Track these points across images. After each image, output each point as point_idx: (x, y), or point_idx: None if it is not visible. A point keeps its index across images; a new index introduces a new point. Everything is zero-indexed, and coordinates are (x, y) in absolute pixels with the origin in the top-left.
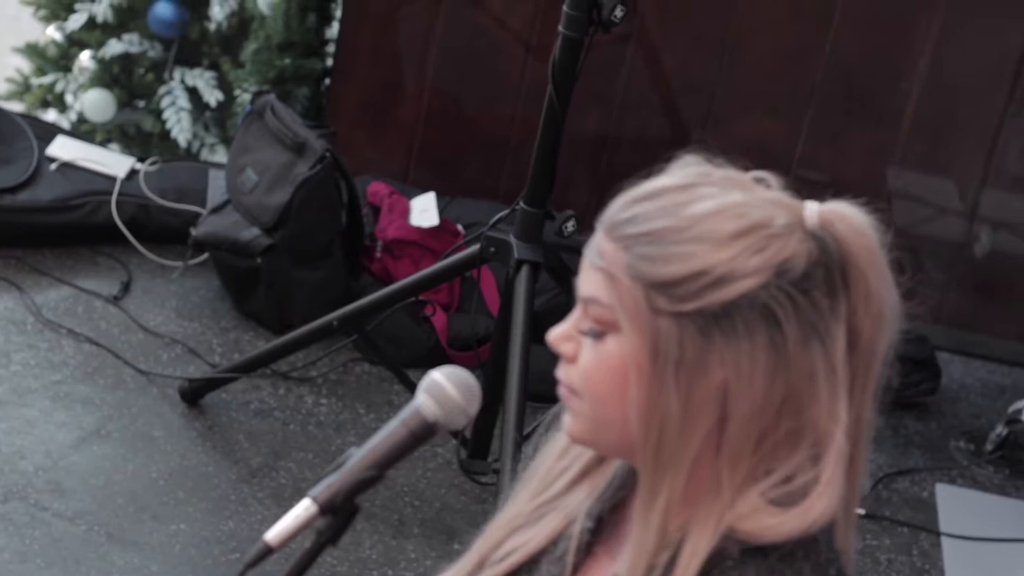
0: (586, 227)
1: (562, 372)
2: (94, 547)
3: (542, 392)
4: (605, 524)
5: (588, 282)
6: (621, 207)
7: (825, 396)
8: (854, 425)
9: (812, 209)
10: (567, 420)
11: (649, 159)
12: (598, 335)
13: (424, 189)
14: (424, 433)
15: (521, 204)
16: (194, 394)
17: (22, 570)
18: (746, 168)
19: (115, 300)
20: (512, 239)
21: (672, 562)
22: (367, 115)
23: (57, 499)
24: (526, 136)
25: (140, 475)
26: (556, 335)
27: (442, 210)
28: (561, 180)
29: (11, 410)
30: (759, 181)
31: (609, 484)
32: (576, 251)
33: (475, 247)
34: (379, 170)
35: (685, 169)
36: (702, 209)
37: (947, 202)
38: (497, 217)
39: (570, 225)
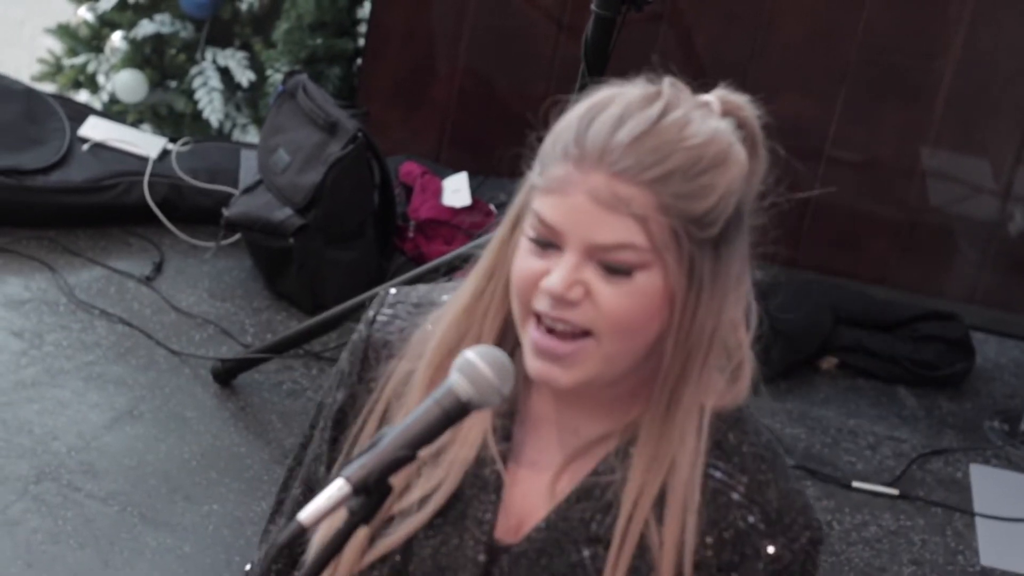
0: None
1: (574, 316)
2: (127, 527)
3: None
4: (514, 436)
5: (610, 230)
6: (621, 149)
7: (744, 285)
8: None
9: (713, 101)
10: (559, 373)
11: None
12: (624, 272)
13: (456, 169)
14: (457, 412)
15: None
16: (227, 374)
17: (55, 551)
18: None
19: (147, 281)
20: None
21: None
22: (399, 95)
23: (90, 480)
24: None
25: (173, 456)
26: (560, 284)
27: (474, 190)
28: None
29: (44, 391)
30: (672, 85)
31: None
32: None
33: None
34: (411, 150)
35: (633, 89)
36: (696, 138)
37: (981, 181)
38: None
39: None
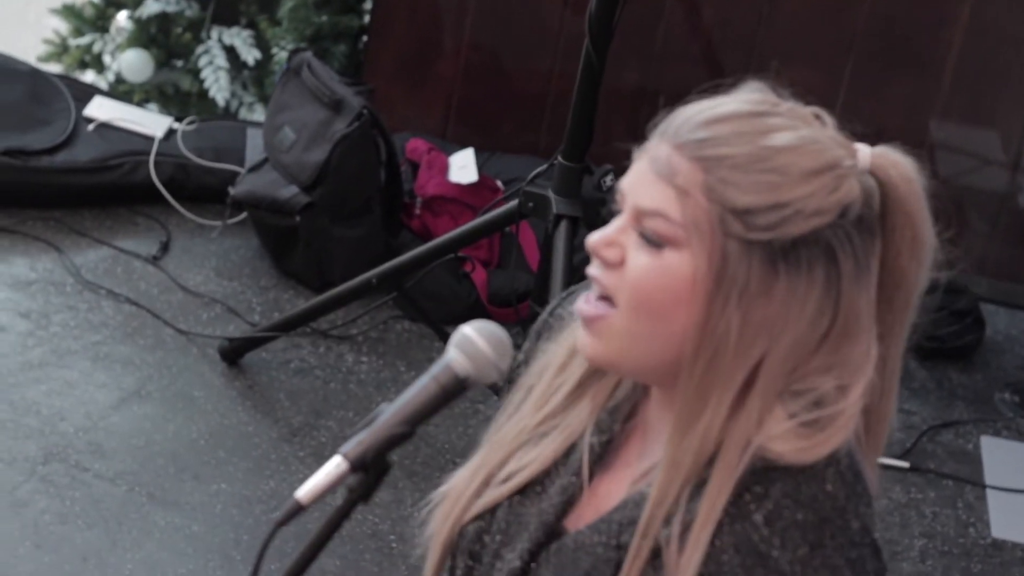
0: None
1: (603, 277)
2: (135, 507)
3: None
4: (616, 437)
5: (652, 195)
6: (695, 125)
7: (864, 333)
8: (888, 362)
9: (864, 152)
10: (587, 342)
11: None
12: (656, 245)
13: (463, 145)
14: (455, 389)
15: (559, 159)
16: (234, 353)
17: (63, 531)
18: (805, 103)
19: (154, 260)
20: (551, 194)
21: (700, 485)
22: (405, 72)
23: (98, 460)
24: (564, 91)
25: (180, 435)
26: (599, 239)
27: (481, 166)
28: (600, 134)
29: (51, 371)
30: (817, 117)
31: (618, 397)
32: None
33: (514, 202)
34: (417, 127)
35: (752, 95)
36: (782, 141)
37: (990, 153)
38: (535, 172)
39: (609, 179)
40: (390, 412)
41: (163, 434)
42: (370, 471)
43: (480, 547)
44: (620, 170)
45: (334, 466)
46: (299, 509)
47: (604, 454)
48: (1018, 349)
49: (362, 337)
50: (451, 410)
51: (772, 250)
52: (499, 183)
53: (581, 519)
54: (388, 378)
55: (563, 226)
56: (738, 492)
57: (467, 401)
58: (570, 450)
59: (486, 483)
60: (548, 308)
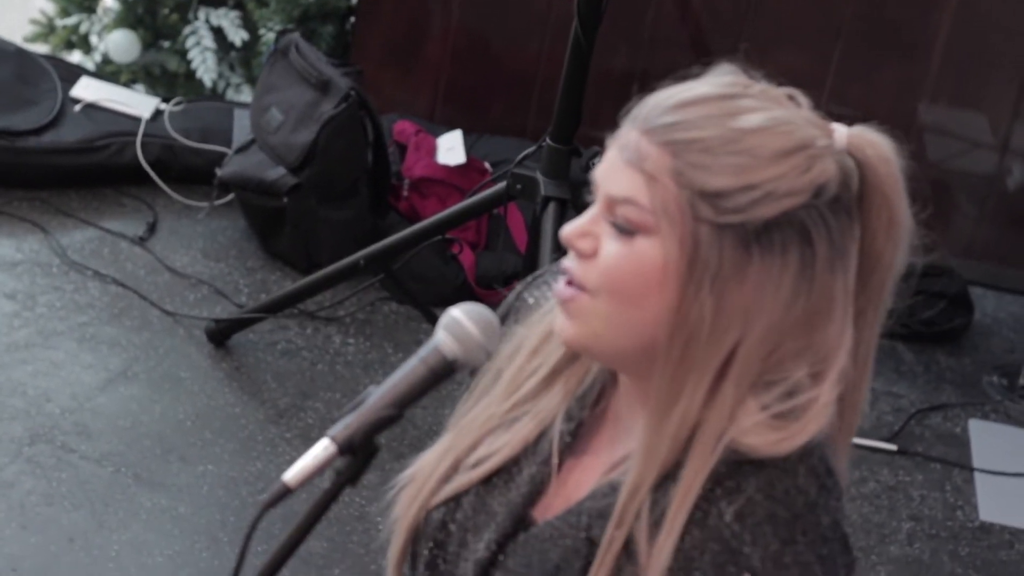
0: None
1: (576, 269)
2: (121, 489)
3: None
4: (585, 425)
5: (622, 182)
6: (663, 110)
7: (838, 317)
8: (860, 347)
9: (841, 132)
10: (564, 324)
11: None
12: (627, 233)
13: (451, 127)
14: (443, 371)
15: (547, 141)
16: (221, 335)
17: (49, 512)
18: (778, 84)
19: (141, 241)
20: (539, 176)
21: (674, 474)
22: (393, 53)
23: (84, 441)
24: (553, 73)
25: (167, 416)
26: (572, 230)
27: (469, 148)
28: (589, 117)
29: (37, 352)
30: (791, 98)
31: (588, 385)
32: None
33: (501, 184)
34: (405, 108)
35: (723, 77)
36: (752, 122)
37: (978, 136)
38: (524, 154)
39: (597, 161)
40: (378, 395)
41: (149, 415)
42: (358, 454)
43: (445, 535)
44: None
45: (322, 449)
46: (286, 492)
47: (573, 443)
48: (1006, 332)
49: (349, 319)
50: (438, 392)
51: (744, 233)
52: (487, 165)
53: (549, 509)
54: (375, 360)
55: (551, 208)
56: (710, 486)
57: (454, 383)
58: (540, 437)
59: (454, 467)
60: (515, 291)
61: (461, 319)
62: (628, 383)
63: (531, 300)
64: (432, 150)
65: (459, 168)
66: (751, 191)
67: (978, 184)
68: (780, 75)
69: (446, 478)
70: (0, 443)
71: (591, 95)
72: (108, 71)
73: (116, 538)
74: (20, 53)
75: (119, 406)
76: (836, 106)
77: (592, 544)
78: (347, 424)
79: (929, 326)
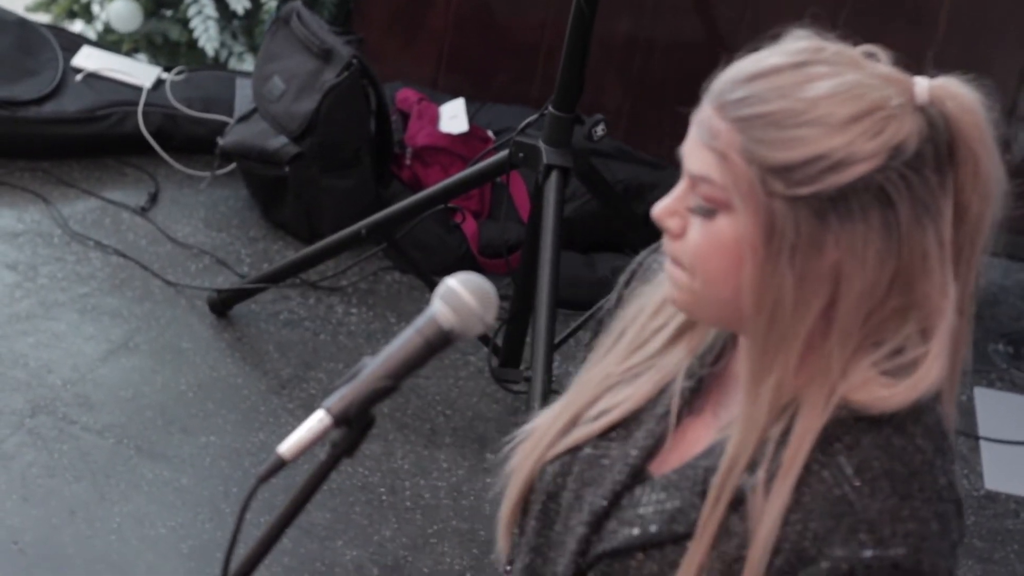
0: (617, 131)
1: (669, 247)
2: (123, 460)
3: (572, 298)
4: (705, 383)
5: (698, 160)
6: (733, 85)
7: (936, 272)
8: (961, 299)
9: (922, 85)
10: (671, 290)
11: (682, 64)
12: (708, 213)
13: (454, 95)
14: (440, 342)
15: (550, 108)
16: (223, 305)
17: (51, 484)
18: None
19: (143, 211)
20: (541, 144)
21: (786, 433)
22: (395, 21)
23: (85, 412)
24: (557, 41)
25: (169, 387)
26: (661, 209)
27: (472, 116)
28: (592, 85)
29: (39, 323)
30: (869, 56)
31: (709, 344)
32: (606, 155)
33: (504, 153)
34: (408, 76)
35: (796, 44)
36: (818, 91)
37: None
38: (526, 122)
39: (599, 129)
40: (374, 366)
41: (151, 386)
42: (354, 425)
43: (560, 487)
44: (611, 120)
45: (317, 421)
46: (281, 464)
47: (692, 400)
48: (1013, 300)
49: (352, 288)
50: (440, 361)
51: (819, 203)
52: (490, 133)
53: (666, 463)
54: (378, 329)
55: (553, 176)
56: (826, 441)
57: (457, 352)
58: (660, 393)
59: (573, 422)
60: (642, 253)
61: (457, 289)
62: (744, 342)
63: (655, 264)
64: (435, 118)
65: (462, 136)
66: (820, 161)
67: None
68: (837, 33)
69: (565, 432)
70: (1, 415)
71: (593, 63)
72: (110, 40)
73: (118, 510)
74: (21, 23)
75: (121, 377)
76: None
77: (702, 495)
78: (342, 396)
79: None
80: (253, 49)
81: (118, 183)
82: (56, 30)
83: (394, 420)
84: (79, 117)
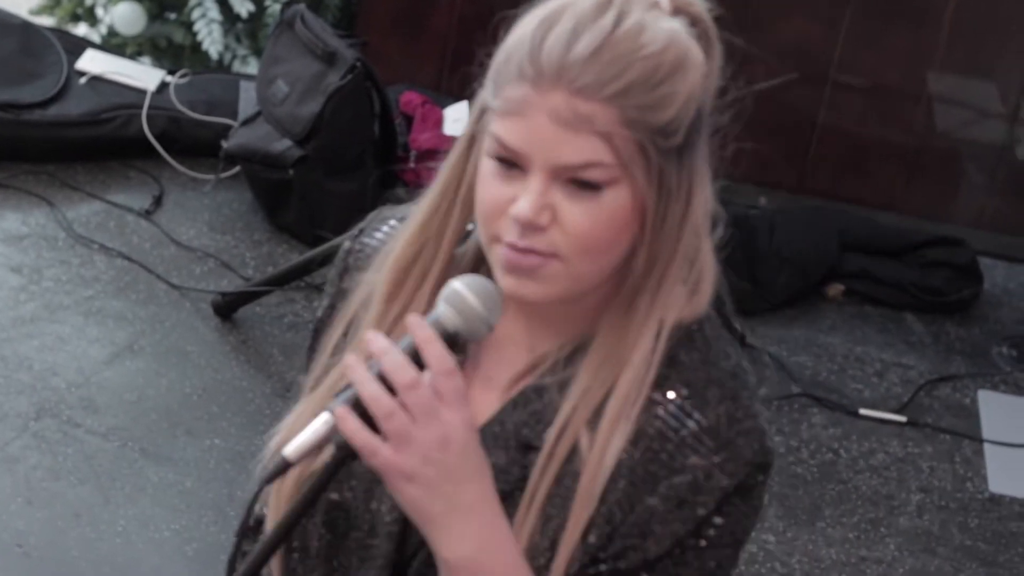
0: None
1: (537, 242)
2: (128, 463)
3: None
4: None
5: (574, 149)
6: (579, 65)
7: (705, 184)
8: None
9: (664, 3)
10: (532, 288)
11: None
12: (593, 190)
13: (458, 98)
14: (445, 344)
15: None
16: (227, 308)
17: (55, 487)
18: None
19: (147, 214)
20: None
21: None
22: (399, 23)
23: (90, 415)
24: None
25: (173, 390)
26: (530, 209)
27: None
28: None
29: (43, 326)
30: None
31: None
32: None
33: None
34: (412, 79)
35: (577, 2)
36: (653, 44)
37: (988, 105)
38: None
39: None
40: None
41: (156, 389)
42: None
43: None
44: None
45: (322, 423)
46: (286, 466)
47: (463, 372)
48: (1016, 302)
49: None
50: None
51: (680, 147)
52: None
53: None
54: None
55: None
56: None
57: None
58: None
59: None
60: (355, 233)
61: (461, 291)
62: (533, 309)
63: (367, 249)
64: (439, 121)
65: None
66: (684, 108)
67: (988, 154)
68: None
69: None
70: (6, 418)
71: None
72: (114, 43)
73: (122, 513)
74: (25, 26)
75: (125, 380)
76: (845, 75)
77: (528, 448)
78: (347, 397)
79: (938, 296)
80: (257, 52)
81: (122, 186)
82: (60, 33)
83: None
84: (83, 120)
